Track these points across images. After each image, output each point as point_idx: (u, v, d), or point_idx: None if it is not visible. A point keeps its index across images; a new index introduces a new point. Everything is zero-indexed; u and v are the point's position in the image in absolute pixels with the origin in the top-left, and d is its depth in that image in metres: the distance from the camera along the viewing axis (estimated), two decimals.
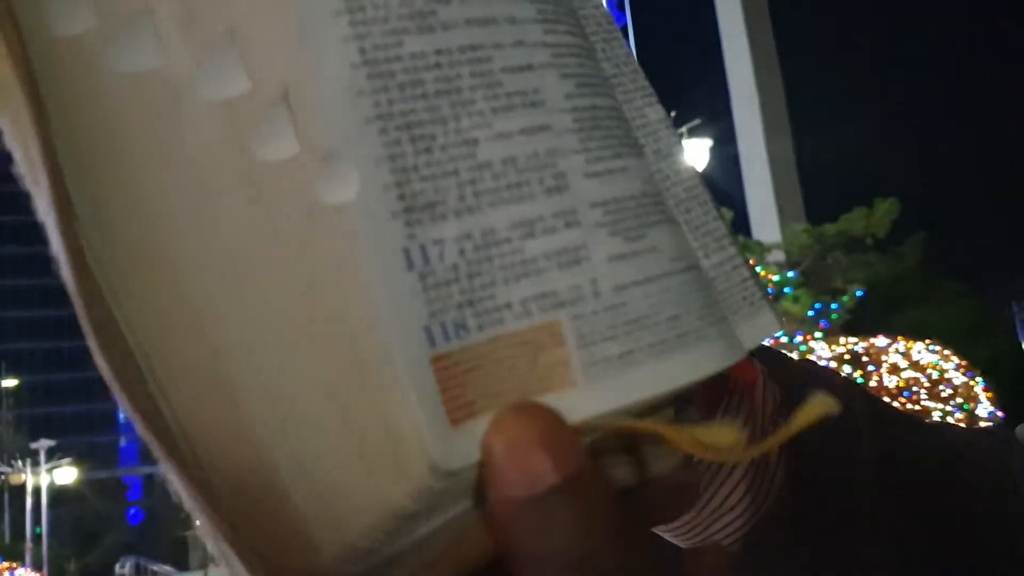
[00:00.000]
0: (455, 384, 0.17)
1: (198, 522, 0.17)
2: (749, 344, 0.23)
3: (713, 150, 10.31)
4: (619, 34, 0.25)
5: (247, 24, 0.17)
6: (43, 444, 19.19)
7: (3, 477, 20.74)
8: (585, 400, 0.18)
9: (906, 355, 6.84)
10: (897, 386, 6.76)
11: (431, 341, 0.17)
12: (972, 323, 9.53)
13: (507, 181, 0.18)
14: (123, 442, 37.64)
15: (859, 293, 9.83)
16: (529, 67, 0.19)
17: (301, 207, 0.17)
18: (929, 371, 6.74)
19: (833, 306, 9.73)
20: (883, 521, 0.30)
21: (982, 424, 6.34)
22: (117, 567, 21.54)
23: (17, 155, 0.18)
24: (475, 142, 0.18)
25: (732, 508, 0.29)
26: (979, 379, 6.76)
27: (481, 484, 0.17)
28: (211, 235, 0.17)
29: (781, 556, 0.29)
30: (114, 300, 0.17)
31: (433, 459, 0.16)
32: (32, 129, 0.17)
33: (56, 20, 0.17)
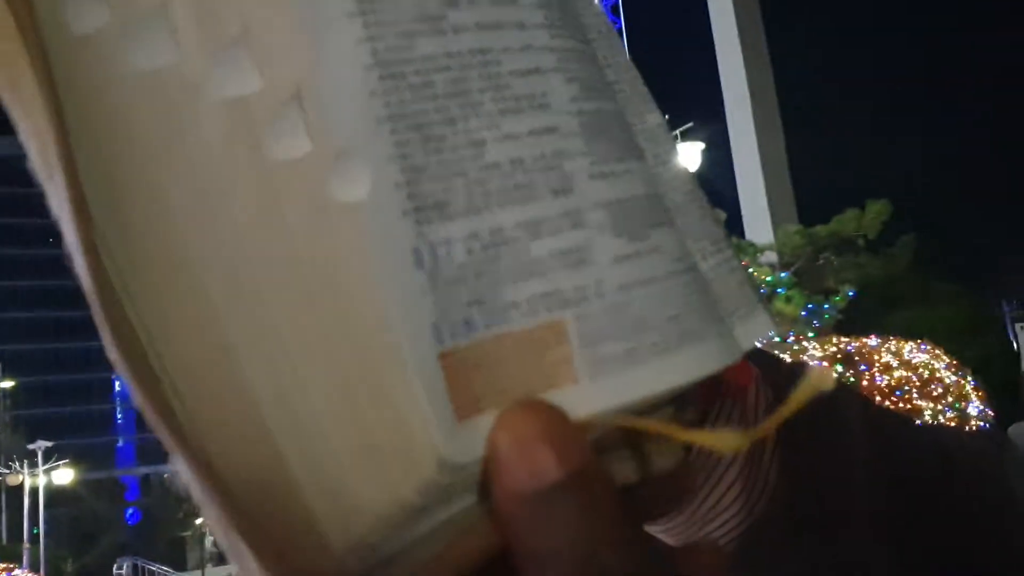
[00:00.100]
0: (462, 381, 0.17)
1: (207, 515, 0.18)
2: (745, 345, 0.23)
3: (706, 152, 10.39)
4: (619, 42, 0.25)
5: (261, 23, 0.17)
6: (40, 445, 19.19)
7: (0, 478, 20.76)
8: (588, 397, 0.18)
9: (897, 354, 6.90)
10: (889, 385, 6.81)
11: (439, 338, 0.17)
12: (963, 323, 9.58)
13: (514, 182, 0.18)
14: (120, 443, 37.57)
15: (851, 293, 9.89)
16: (536, 71, 0.20)
17: (313, 205, 0.17)
18: (920, 370, 6.80)
19: (825, 306, 9.80)
20: (877, 521, 0.30)
21: (974, 423, 6.41)
22: (114, 568, 21.54)
23: (32, 151, 0.18)
24: (483, 143, 0.18)
25: (727, 508, 0.29)
26: (970, 378, 6.82)
27: (486, 479, 0.18)
28: (224, 231, 0.17)
29: (776, 556, 0.29)
30: (126, 295, 0.17)
31: (440, 453, 0.16)
32: (48, 126, 0.17)
33: (73, 18, 0.18)
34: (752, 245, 10.90)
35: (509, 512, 0.17)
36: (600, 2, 0.26)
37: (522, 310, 0.18)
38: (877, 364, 6.75)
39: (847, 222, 10.91)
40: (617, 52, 0.25)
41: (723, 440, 0.19)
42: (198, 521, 21.13)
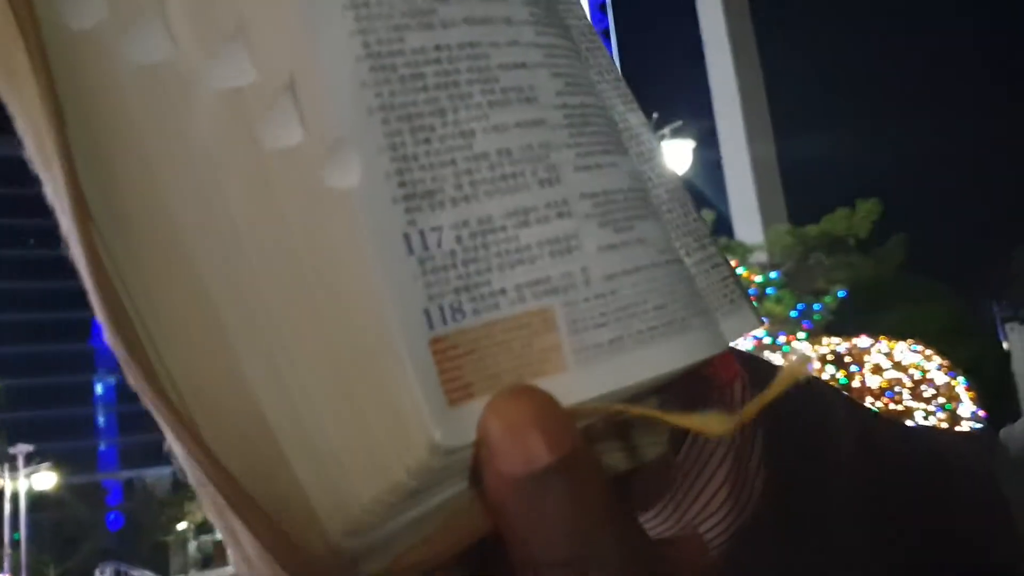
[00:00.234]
0: (453, 366, 0.17)
1: (203, 497, 0.18)
2: (730, 339, 0.24)
3: (695, 152, 10.30)
4: (601, 44, 0.26)
5: (256, 16, 0.18)
6: (21, 449, 18.96)
7: None
8: (576, 384, 0.19)
9: (888, 355, 6.85)
10: (880, 387, 6.76)
11: (430, 324, 0.17)
12: (954, 323, 9.57)
13: (502, 172, 0.19)
14: (103, 447, 37.26)
15: (841, 294, 9.85)
16: (523, 65, 0.20)
17: (306, 193, 0.17)
18: (911, 371, 6.75)
19: (816, 307, 9.75)
20: (865, 524, 0.30)
21: (965, 424, 6.35)
22: (97, 572, 21.31)
23: (28, 142, 0.19)
24: (472, 134, 0.19)
25: (714, 512, 0.29)
26: (961, 379, 6.77)
27: (477, 463, 0.18)
28: (219, 219, 0.18)
29: (764, 560, 0.29)
30: (122, 282, 0.18)
31: (432, 437, 0.17)
32: (46, 118, 0.18)
33: (71, 13, 0.18)
34: (742, 245, 10.84)
35: (500, 496, 0.18)
36: (588, 1, 0.25)
37: (510, 297, 0.18)
38: (868, 365, 6.68)
39: (837, 222, 10.88)
40: (600, 54, 0.25)
41: (710, 423, 0.19)
42: (181, 526, 20.89)
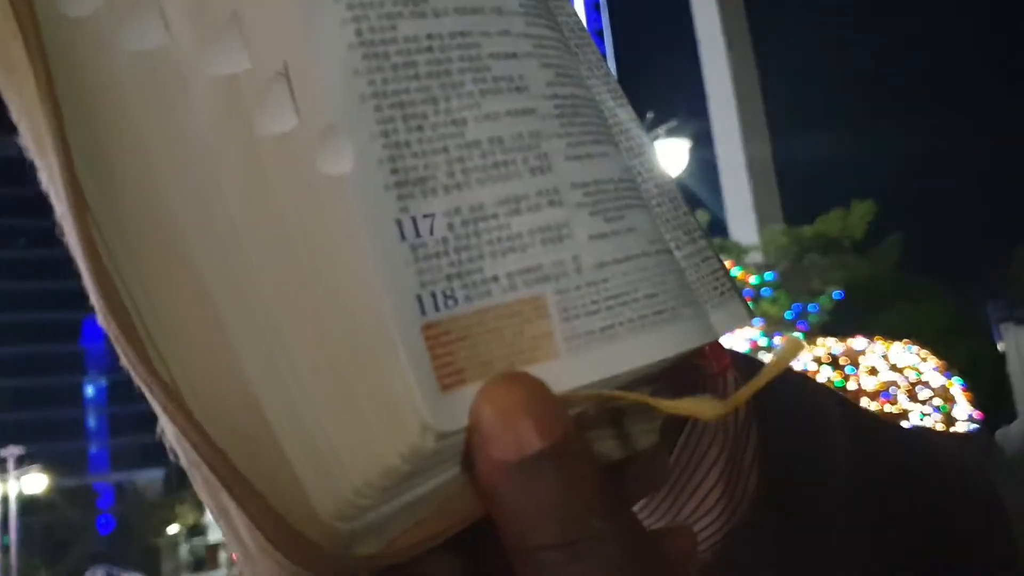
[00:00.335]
0: (445, 352, 0.18)
1: (195, 478, 0.18)
2: (721, 331, 0.24)
3: (690, 152, 10.25)
4: (591, 41, 0.26)
5: (250, 5, 0.18)
6: (11, 451, 18.82)
7: None
8: (567, 371, 0.19)
9: (884, 356, 6.81)
10: (876, 388, 6.72)
11: (422, 310, 0.18)
12: (949, 324, 9.55)
13: (494, 160, 0.19)
14: (93, 449, 37.08)
15: (837, 295, 9.82)
16: (514, 55, 0.20)
17: (300, 179, 0.18)
18: (907, 372, 6.72)
19: (811, 308, 9.71)
20: (859, 525, 0.30)
21: (960, 425, 6.32)
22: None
23: (23, 128, 0.19)
24: (464, 122, 0.19)
25: (708, 511, 0.29)
26: (957, 380, 6.74)
27: (470, 449, 0.18)
28: (214, 205, 0.18)
29: (758, 560, 0.29)
30: (116, 267, 0.18)
31: (425, 421, 0.17)
32: (41, 103, 0.18)
33: (67, 1, 0.18)
34: (737, 245, 10.79)
35: (492, 481, 0.18)
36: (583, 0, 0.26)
37: (502, 285, 0.19)
38: (864, 366, 6.65)
39: (833, 222, 10.85)
40: (589, 50, 0.25)
41: (703, 408, 0.19)
42: (172, 529, 20.76)
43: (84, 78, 0.18)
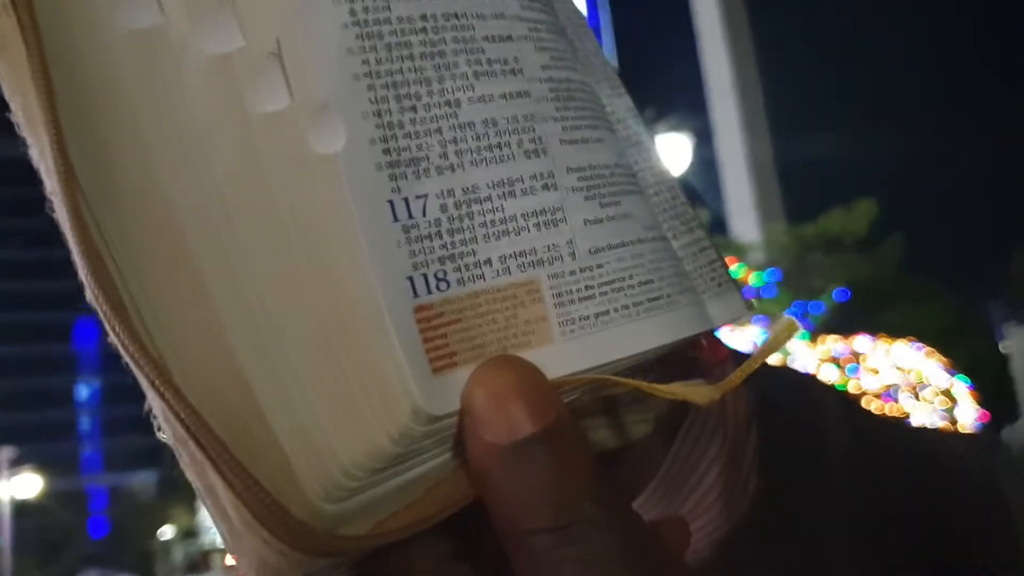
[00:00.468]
0: (437, 335, 0.18)
1: (183, 455, 0.18)
2: (718, 322, 0.24)
3: (692, 149, 10.17)
4: (588, 28, 0.26)
5: None
6: (4, 454, 18.66)
7: None
8: (562, 357, 0.19)
9: (887, 355, 6.72)
10: (878, 389, 6.63)
11: (414, 292, 0.17)
12: (952, 324, 9.50)
13: (488, 142, 0.19)
14: (86, 451, 36.91)
15: (838, 294, 9.74)
16: (509, 38, 0.20)
17: (291, 157, 0.18)
18: (911, 372, 6.64)
19: (813, 307, 9.63)
20: (859, 525, 0.29)
21: (965, 425, 6.23)
22: None
23: (15, 104, 0.19)
24: (458, 103, 0.19)
25: (707, 510, 0.28)
26: (960, 379, 6.66)
27: (461, 432, 0.18)
28: (205, 181, 0.18)
29: (757, 560, 0.29)
30: (106, 242, 0.18)
31: (416, 403, 0.17)
32: (34, 81, 0.18)
33: None
34: (738, 244, 10.71)
35: (483, 465, 0.18)
36: None
37: (496, 268, 0.19)
38: (866, 366, 6.55)
39: (835, 221, 10.76)
40: (586, 39, 0.25)
41: (696, 392, 0.19)
42: (166, 532, 20.61)
43: (77, 55, 0.18)
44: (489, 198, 0.19)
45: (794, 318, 0.21)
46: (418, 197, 0.18)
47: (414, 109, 0.18)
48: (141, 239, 0.18)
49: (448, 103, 0.19)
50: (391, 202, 0.18)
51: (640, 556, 0.18)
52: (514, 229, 0.19)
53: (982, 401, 6.56)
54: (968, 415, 6.38)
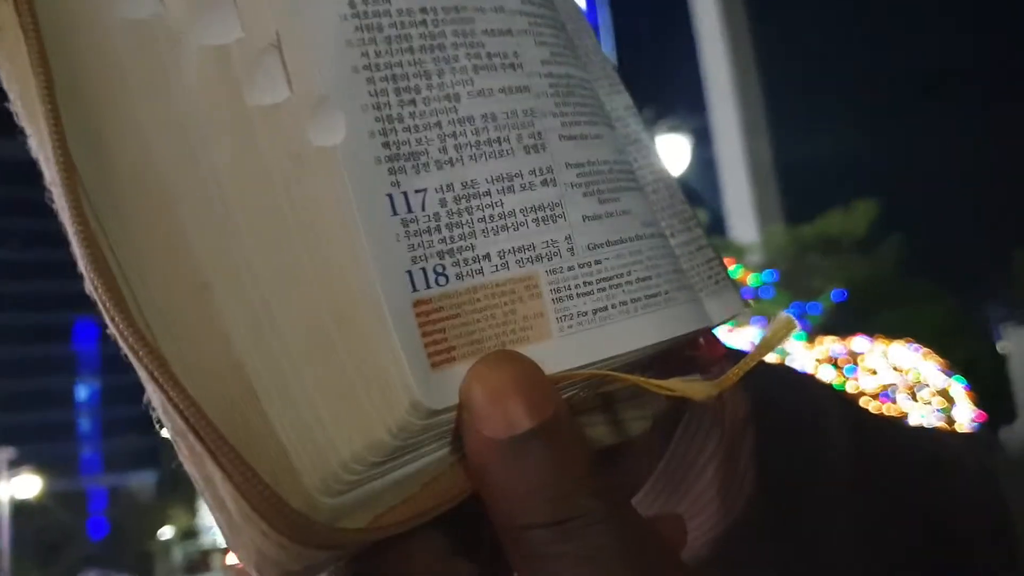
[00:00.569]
0: (435, 330, 0.18)
1: (181, 448, 0.18)
2: (716, 319, 0.24)
3: (690, 150, 10.18)
4: (588, 25, 0.26)
5: None
6: (3, 455, 18.65)
7: None
8: (560, 353, 0.19)
9: (885, 356, 6.73)
10: (876, 389, 6.64)
11: (412, 286, 0.17)
12: (950, 325, 9.50)
13: (487, 136, 0.19)
14: (86, 452, 36.89)
15: (837, 295, 9.74)
16: (508, 32, 0.20)
17: (290, 150, 0.18)
18: (908, 372, 6.65)
19: (811, 307, 9.62)
20: (860, 525, 0.29)
21: (962, 425, 6.24)
22: None
23: (13, 93, 0.19)
24: (457, 97, 0.19)
25: (704, 507, 0.28)
26: (958, 380, 6.67)
27: (459, 427, 0.18)
28: (204, 173, 0.18)
29: (754, 558, 0.29)
30: (105, 233, 0.18)
31: (415, 397, 0.17)
32: (33, 69, 0.17)
33: None
34: (737, 245, 10.71)
35: (481, 460, 0.18)
36: None
37: (495, 263, 0.19)
38: (864, 366, 6.55)
39: (834, 222, 10.76)
40: (586, 36, 0.25)
41: (693, 388, 0.19)
42: (165, 533, 20.60)
43: (75, 44, 0.18)
44: (488, 193, 0.19)
45: (791, 316, 0.21)
46: (417, 191, 0.18)
47: (414, 103, 0.18)
48: (140, 231, 0.18)
49: (448, 97, 0.19)
50: (390, 196, 0.18)
51: (638, 552, 0.18)
52: (513, 224, 0.19)
53: (979, 402, 6.57)
54: (965, 415, 6.39)
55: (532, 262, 0.19)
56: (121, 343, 0.17)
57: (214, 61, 0.18)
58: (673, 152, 8.47)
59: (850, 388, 6.42)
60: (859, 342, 6.67)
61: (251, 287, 0.17)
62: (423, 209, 0.18)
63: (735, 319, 0.25)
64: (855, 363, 6.55)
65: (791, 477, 0.29)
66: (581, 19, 0.25)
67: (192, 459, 0.18)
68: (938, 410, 6.36)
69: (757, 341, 0.20)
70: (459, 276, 0.18)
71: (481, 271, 0.18)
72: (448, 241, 0.18)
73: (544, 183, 0.19)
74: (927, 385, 6.45)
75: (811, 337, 7.41)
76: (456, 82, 0.19)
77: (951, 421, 6.29)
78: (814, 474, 0.29)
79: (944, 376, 6.54)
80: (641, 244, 0.21)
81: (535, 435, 0.17)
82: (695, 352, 0.26)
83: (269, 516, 0.16)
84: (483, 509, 0.18)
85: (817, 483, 0.29)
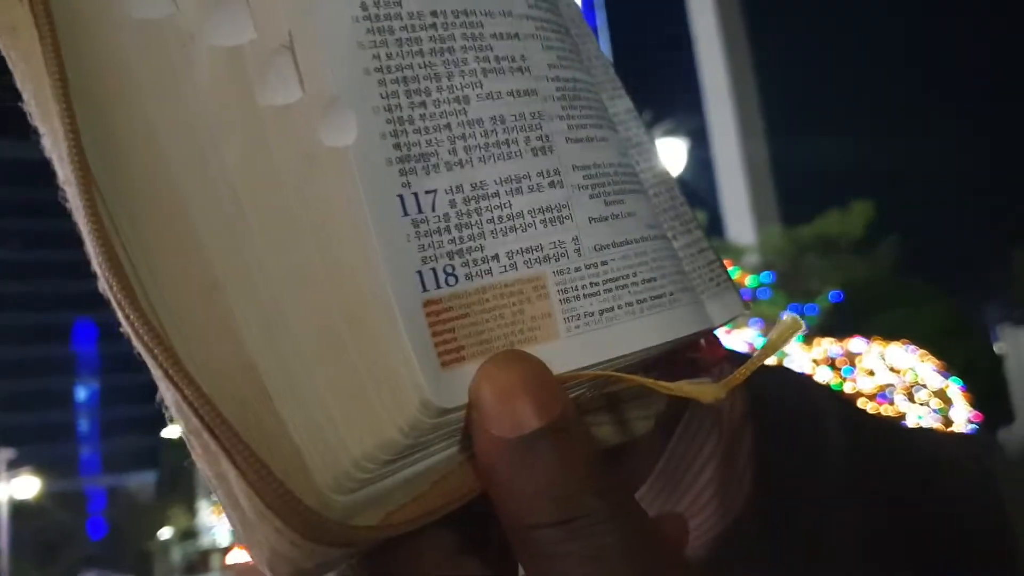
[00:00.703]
0: (445, 329, 0.18)
1: (194, 446, 0.18)
2: (717, 321, 0.24)
3: (687, 152, 10.22)
4: (590, 30, 0.26)
5: None
6: (2, 455, 18.65)
7: None
8: (567, 353, 0.19)
9: (882, 357, 6.76)
10: (873, 390, 6.66)
11: (423, 286, 0.18)
12: (947, 326, 9.51)
13: (496, 139, 0.19)
14: (85, 452, 36.87)
15: (834, 295, 9.76)
16: (516, 36, 0.20)
17: (302, 150, 0.18)
18: (905, 373, 6.67)
19: (809, 309, 9.65)
20: (856, 524, 0.29)
21: (958, 426, 6.27)
22: None
23: (27, 94, 0.19)
24: (466, 100, 0.19)
25: (702, 508, 0.28)
26: (955, 381, 6.69)
27: (468, 426, 0.18)
28: (215, 173, 0.18)
29: (752, 559, 0.29)
30: (118, 233, 0.18)
31: (425, 396, 0.17)
32: (47, 68, 0.18)
33: None
34: (734, 246, 10.72)
35: (490, 459, 0.18)
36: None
37: (503, 263, 0.19)
38: (861, 367, 6.58)
39: (831, 223, 10.78)
40: (588, 41, 0.26)
41: (702, 390, 0.19)
42: (164, 533, 20.62)
43: (89, 44, 0.18)
44: (497, 194, 0.19)
45: (797, 316, 0.21)
46: (427, 192, 0.18)
47: (424, 105, 0.18)
48: (151, 230, 0.18)
49: (457, 99, 0.19)
50: (401, 196, 0.18)
51: (644, 551, 0.18)
52: (521, 225, 0.19)
53: (976, 403, 6.59)
54: (962, 416, 6.41)
55: (540, 263, 0.19)
56: (135, 341, 0.17)
57: (226, 61, 0.18)
58: (670, 155, 8.51)
59: (847, 389, 6.44)
60: (856, 343, 6.69)
61: (262, 287, 0.18)
62: (433, 210, 0.18)
63: (735, 320, 0.26)
64: (852, 364, 6.57)
65: (789, 477, 0.29)
66: (583, 24, 0.25)
67: (205, 457, 0.18)
68: (935, 411, 6.38)
69: (762, 341, 0.20)
70: (468, 276, 0.18)
71: (490, 271, 0.18)
72: (457, 242, 0.18)
73: (551, 185, 0.20)
74: (924, 386, 6.47)
75: (808, 338, 7.44)
76: (465, 84, 0.19)
77: (948, 422, 6.31)
78: (812, 474, 0.29)
79: (941, 377, 6.56)
80: (646, 246, 0.21)
81: (543, 435, 0.18)
82: (696, 353, 0.27)
83: (283, 513, 0.16)
84: (491, 508, 0.18)
85: (815, 483, 0.29)
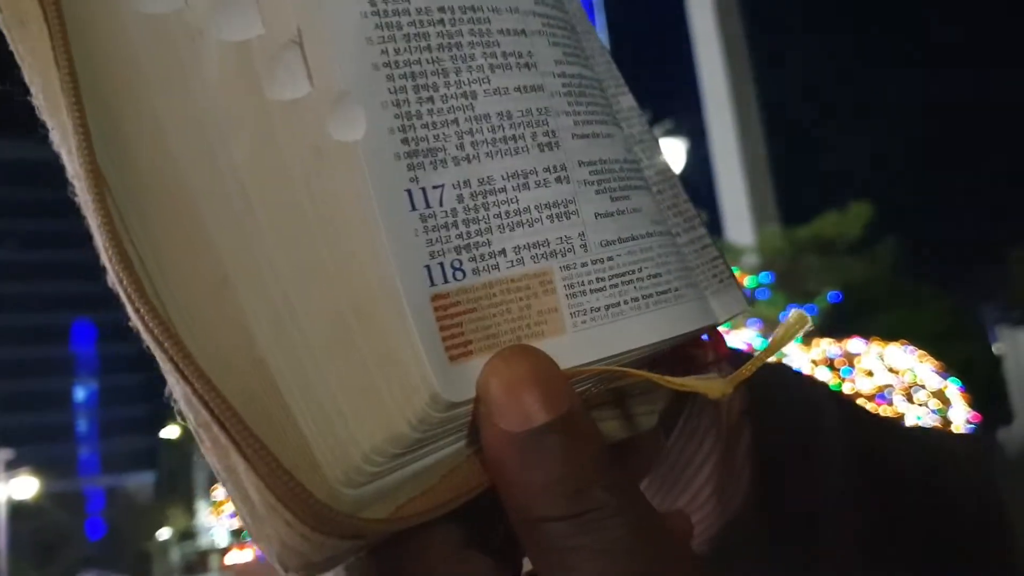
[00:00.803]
0: (453, 323, 0.18)
1: (204, 439, 0.18)
2: (720, 317, 0.24)
3: (686, 152, 10.21)
4: (593, 28, 0.26)
5: None
6: (1, 455, 18.64)
7: None
8: (574, 348, 0.19)
9: (880, 358, 6.76)
10: (872, 391, 6.67)
11: (431, 280, 0.18)
12: (946, 326, 9.52)
13: (503, 134, 0.19)
14: (83, 452, 36.86)
15: (831, 297, 9.76)
16: (523, 32, 0.20)
17: (310, 145, 0.18)
18: (904, 374, 6.67)
19: (807, 309, 9.67)
20: (855, 523, 0.30)
21: (958, 427, 6.28)
22: None
23: (36, 88, 0.19)
24: (474, 95, 0.19)
25: (701, 506, 0.28)
26: (953, 382, 6.70)
27: (476, 420, 0.18)
28: (223, 168, 0.18)
29: (750, 555, 0.29)
30: (127, 225, 0.18)
31: (434, 389, 0.17)
32: (57, 63, 0.18)
33: None
34: (733, 247, 10.73)
35: (497, 453, 0.18)
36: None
37: (510, 258, 0.19)
38: (860, 368, 6.58)
39: (829, 224, 10.78)
40: (592, 38, 0.26)
41: (709, 385, 0.19)
42: (163, 533, 20.61)
43: (98, 39, 0.18)
44: (504, 189, 0.19)
45: (804, 312, 0.21)
46: (435, 187, 0.18)
47: (432, 100, 0.18)
48: (160, 225, 0.18)
49: (465, 95, 0.19)
50: (409, 191, 0.18)
51: (652, 544, 0.18)
52: (528, 220, 0.19)
53: (975, 403, 6.60)
54: (961, 417, 6.41)
55: (546, 258, 0.19)
56: (144, 334, 0.17)
57: (234, 56, 0.18)
58: (669, 155, 8.54)
59: (846, 390, 6.45)
60: (855, 344, 6.70)
61: (272, 282, 0.18)
62: (441, 205, 0.18)
63: (738, 317, 0.26)
64: (851, 365, 6.57)
65: (787, 474, 0.29)
66: (587, 21, 0.26)
67: (215, 451, 0.18)
68: (934, 412, 6.39)
69: (762, 342, 0.22)
70: (476, 271, 0.18)
71: (497, 266, 0.19)
72: (465, 236, 0.18)
73: (558, 180, 0.20)
74: (923, 387, 6.47)
75: (807, 339, 7.46)
76: (473, 80, 0.19)
77: (947, 422, 6.31)
78: (810, 471, 0.29)
79: (940, 378, 6.56)
80: (651, 241, 0.21)
81: (550, 429, 0.18)
82: (699, 349, 0.27)
83: (293, 506, 0.16)
84: (499, 502, 0.18)
85: (813, 480, 0.29)
